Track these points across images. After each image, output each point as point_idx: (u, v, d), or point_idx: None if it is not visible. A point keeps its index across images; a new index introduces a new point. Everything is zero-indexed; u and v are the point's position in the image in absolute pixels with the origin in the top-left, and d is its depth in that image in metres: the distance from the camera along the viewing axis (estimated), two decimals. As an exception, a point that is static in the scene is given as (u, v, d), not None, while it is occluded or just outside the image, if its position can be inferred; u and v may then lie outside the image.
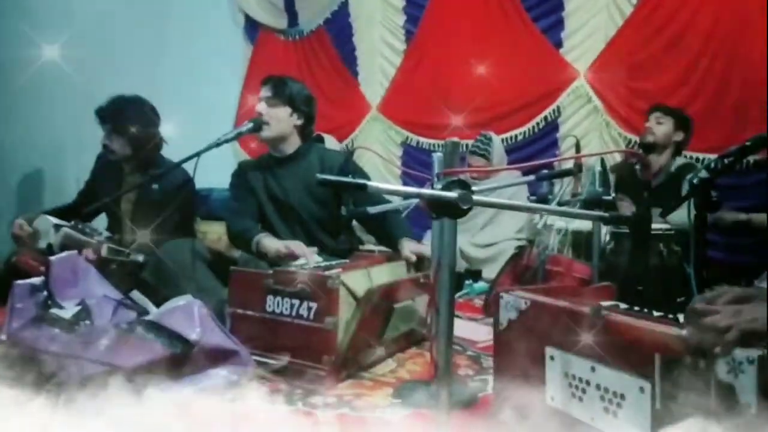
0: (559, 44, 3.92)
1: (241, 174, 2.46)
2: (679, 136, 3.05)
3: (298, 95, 2.37)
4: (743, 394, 0.88)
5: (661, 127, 3.04)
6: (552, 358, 1.23)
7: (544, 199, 2.97)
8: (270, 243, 2.10)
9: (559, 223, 2.75)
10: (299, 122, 2.39)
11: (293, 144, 2.40)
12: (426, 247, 2.24)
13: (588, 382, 1.16)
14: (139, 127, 2.54)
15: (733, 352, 0.90)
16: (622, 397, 1.09)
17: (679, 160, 3.09)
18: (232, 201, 2.44)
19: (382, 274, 2.05)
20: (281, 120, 2.35)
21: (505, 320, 1.35)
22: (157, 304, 1.82)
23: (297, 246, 2.05)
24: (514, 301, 1.34)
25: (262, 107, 2.33)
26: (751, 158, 3.09)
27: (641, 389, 1.05)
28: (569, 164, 2.87)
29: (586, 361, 1.16)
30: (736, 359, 0.89)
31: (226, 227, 2.38)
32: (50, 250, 2.34)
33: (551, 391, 1.23)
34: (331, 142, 4.18)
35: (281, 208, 2.37)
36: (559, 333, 1.22)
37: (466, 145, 3.81)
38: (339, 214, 2.32)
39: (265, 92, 2.35)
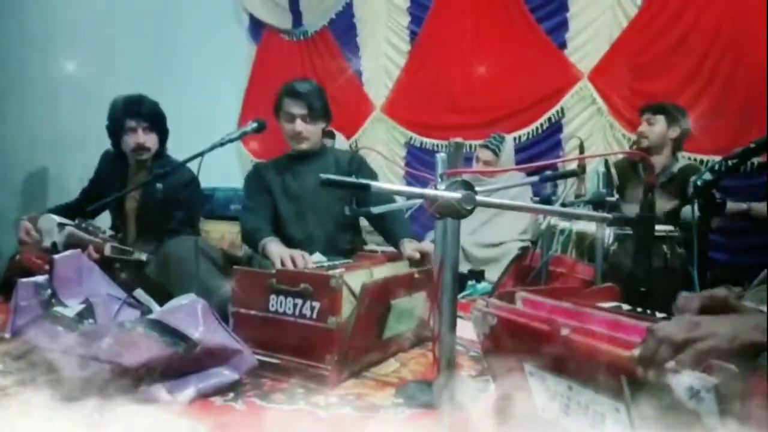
0: (563, 45, 3.92)
1: (257, 175, 2.48)
2: (674, 132, 2.99)
3: (326, 103, 2.42)
4: (708, 419, 0.86)
5: (653, 128, 3.00)
6: (531, 373, 1.20)
7: (547, 200, 2.97)
8: (274, 249, 2.09)
9: (563, 224, 2.75)
10: (325, 126, 2.49)
11: (319, 144, 2.48)
12: (426, 244, 2.24)
13: (569, 398, 1.13)
14: (165, 123, 2.62)
15: (690, 381, 0.86)
16: (602, 415, 1.06)
17: (682, 161, 3.08)
18: (246, 199, 2.47)
19: (385, 274, 2.05)
20: (318, 132, 2.42)
21: (481, 334, 1.31)
22: (161, 303, 1.82)
23: (298, 258, 2.00)
24: (483, 316, 1.28)
25: (300, 126, 2.35)
26: (755, 160, 3.08)
27: (617, 410, 1.02)
28: (573, 165, 2.87)
29: (562, 380, 1.13)
30: (694, 387, 0.86)
31: (240, 224, 2.41)
32: (54, 248, 2.34)
33: (539, 404, 1.22)
34: (340, 138, 4.18)
35: (298, 206, 2.39)
36: (530, 350, 1.18)
37: (470, 146, 3.81)
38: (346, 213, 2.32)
39: (299, 109, 2.34)
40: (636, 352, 0.93)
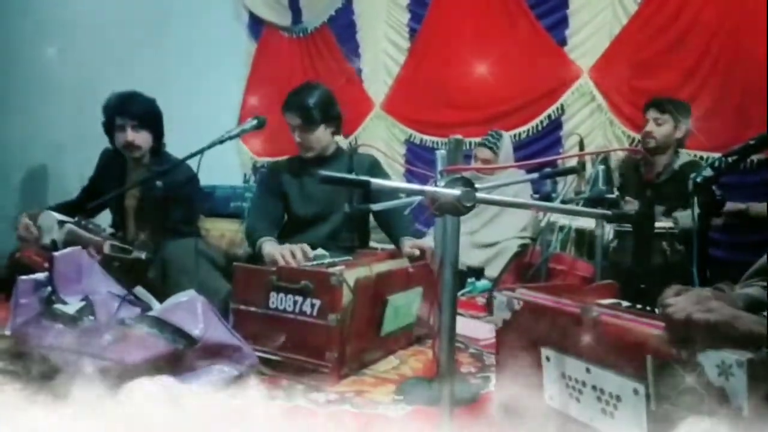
0: (563, 42, 3.91)
1: (271, 175, 2.48)
2: (680, 132, 2.95)
3: (325, 108, 2.34)
4: (735, 397, 0.86)
5: (661, 129, 2.94)
6: (548, 358, 1.22)
7: (547, 197, 2.97)
8: (269, 249, 2.06)
9: (563, 221, 2.75)
10: (333, 128, 2.42)
11: (331, 147, 2.46)
12: (424, 241, 2.24)
13: (584, 383, 1.14)
14: (159, 121, 2.59)
15: (721, 357, 0.88)
16: (618, 398, 1.07)
17: (684, 158, 3.07)
18: (257, 197, 2.50)
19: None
20: (321, 139, 2.38)
21: (500, 320, 1.33)
22: (161, 300, 1.82)
23: (297, 251, 1.98)
24: (507, 301, 1.32)
25: (298, 136, 2.34)
26: (755, 157, 3.07)
27: (635, 391, 1.03)
28: (573, 162, 2.86)
29: (580, 362, 1.14)
30: (726, 362, 0.87)
31: (245, 220, 2.42)
32: (54, 245, 2.34)
33: (549, 391, 1.22)
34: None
35: (312, 208, 2.39)
36: (552, 334, 1.20)
37: (470, 143, 3.81)
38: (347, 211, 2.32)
39: (293, 119, 2.33)
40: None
